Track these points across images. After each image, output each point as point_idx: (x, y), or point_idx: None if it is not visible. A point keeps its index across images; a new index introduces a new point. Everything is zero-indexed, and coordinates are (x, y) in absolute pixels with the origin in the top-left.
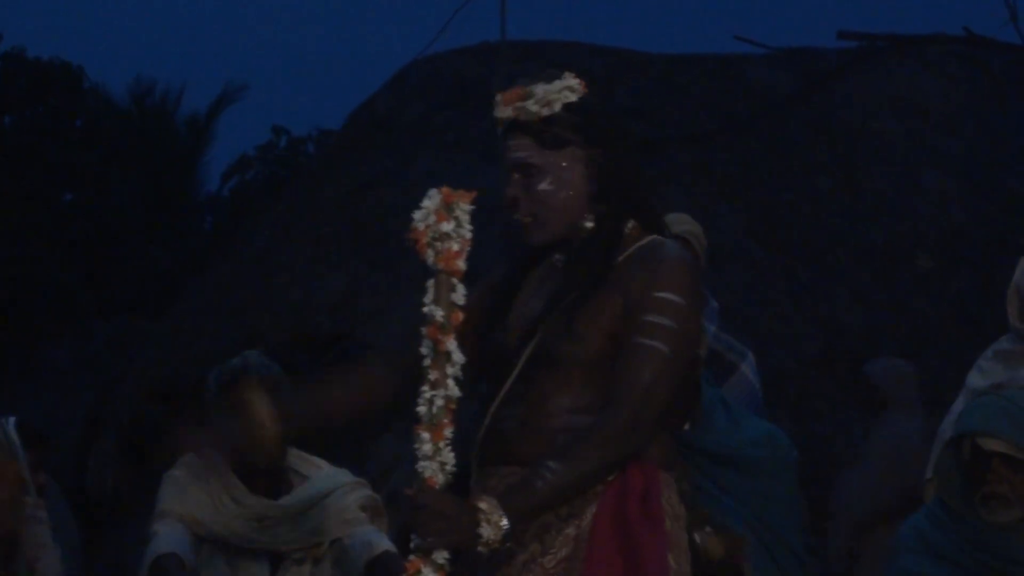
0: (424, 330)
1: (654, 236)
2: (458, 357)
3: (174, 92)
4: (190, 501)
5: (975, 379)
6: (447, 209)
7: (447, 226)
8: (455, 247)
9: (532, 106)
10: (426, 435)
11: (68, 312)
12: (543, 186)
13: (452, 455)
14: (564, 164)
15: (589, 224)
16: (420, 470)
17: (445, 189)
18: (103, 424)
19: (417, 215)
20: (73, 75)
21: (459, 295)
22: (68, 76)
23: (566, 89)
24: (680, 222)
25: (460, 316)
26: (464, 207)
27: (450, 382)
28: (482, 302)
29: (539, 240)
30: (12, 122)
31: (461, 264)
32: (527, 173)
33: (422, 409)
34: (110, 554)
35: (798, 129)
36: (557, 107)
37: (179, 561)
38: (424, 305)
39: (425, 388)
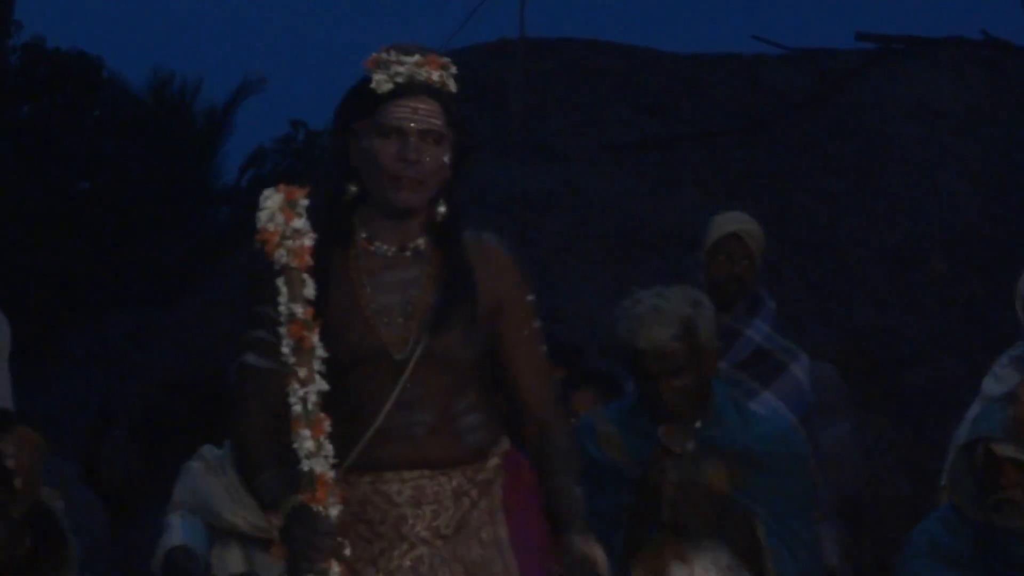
0: (284, 329)
1: (468, 229)
2: (321, 352)
3: (192, 83)
4: (206, 493)
5: (990, 385)
6: (292, 206)
7: (298, 223)
8: (308, 242)
9: (448, 79)
10: (306, 432)
11: (83, 302)
12: (438, 157)
13: (332, 447)
14: (447, 142)
15: (442, 209)
16: (307, 468)
17: (283, 186)
18: (116, 414)
19: (262, 216)
20: (91, 66)
21: (311, 289)
22: (86, 67)
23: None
24: (736, 220)
25: (312, 311)
26: (304, 202)
27: (317, 377)
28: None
29: (411, 201)
30: (30, 112)
31: (311, 259)
32: (432, 140)
33: (297, 408)
34: (122, 545)
35: (814, 130)
36: (452, 83)
37: (191, 553)
38: (279, 304)
39: (296, 386)
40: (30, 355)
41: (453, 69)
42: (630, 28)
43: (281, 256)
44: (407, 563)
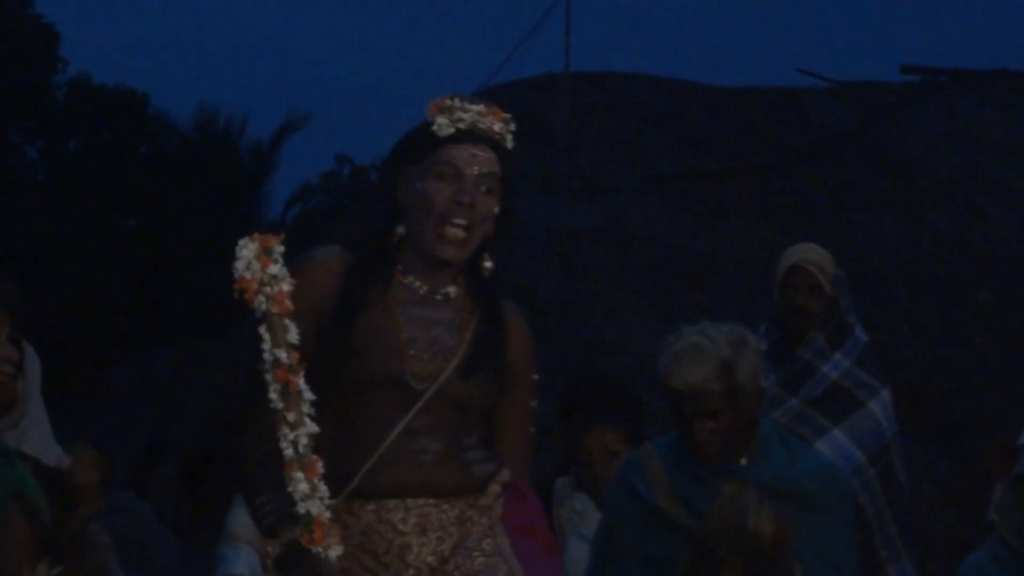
0: (269, 375)
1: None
2: (308, 395)
3: (238, 120)
4: None
5: None
6: (267, 253)
7: (275, 269)
8: (285, 288)
9: (508, 133)
10: (299, 475)
11: (128, 337)
12: (491, 206)
13: (326, 488)
14: (498, 194)
15: (489, 264)
16: (303, 511)
17: (257, 235)
18: (164, 449)
19: (239, 265)
20: (138, 102)
21: (294, 334)
22: (133, 103)
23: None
24: (798, 251)
25: (298, 355)
26: (280, 248)
27: (307, 419)
28: (317, 318)
29: (453, 257)
30: (77, 148)
31: (291, 304)
32: (486, 188)
33: (288, 452)
34: None
35: (859, 162)
36: (510, 139)
37: None
38: (263, 351)
39: (285, 430)
40: (76, 390)
41: (513, 126)
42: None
43: (261, 303)
44: None
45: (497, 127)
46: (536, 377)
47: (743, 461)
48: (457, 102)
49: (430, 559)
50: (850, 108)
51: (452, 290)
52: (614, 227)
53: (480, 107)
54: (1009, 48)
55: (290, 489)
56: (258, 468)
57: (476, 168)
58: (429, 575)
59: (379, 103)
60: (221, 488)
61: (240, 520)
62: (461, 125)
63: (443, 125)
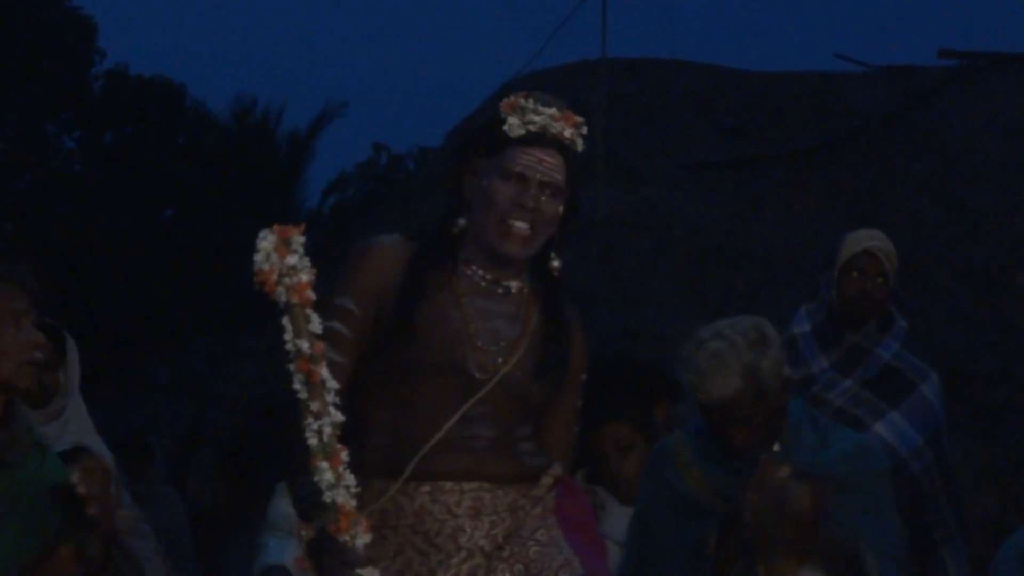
0: (292, 366)
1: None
2: (332, 384)
3: (275, 109)
4: None
5: None
6: (286, 244)
7: (293, 259)
8: (304, 278)
9: (579, 137)
10: (324, 464)
11: (167, 328)
12: (555, 209)
13: (353, 477)
14: (563, 197)
15: (556, 263)
16: (329, 499)
17: (277, 226)
18: (202, 439)
19: (258, 257)
20: (175, 92)
21: (316, 324)
22: (170, 93)
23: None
24: (871, 237)
25: (321, 346)
26: (300, 239)
27: (331, 408)
28: (378, 304)
29: (518, 254)
30: (114, 138)
31: (312, 294)
32: (550, 193)
33: (313, 441)
34: (210, 570)
35: (897, 147)
36: (581, 142)
37: (287, 572)
38: (286, 342)
39: (310, 420)
40: (116, 382)
41: (584, 129)
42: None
43: (281, 294)
44: (465, 568)
45: (568, 132)
46: (585, 377)
47: (776, 447)
48: (531, 103)
49: (483, 543)
50: (888, 93)
51: (515, 284)
52: (652, 215)
53: (553, 110)
54: None
55: (316, 479)
56: (300, 453)
57: (541, 173)
58: (482, 558)
59: (416, 91)
60: (260, 478)
61: (282, 510)
62: (532, 128)
63: (514, 126)
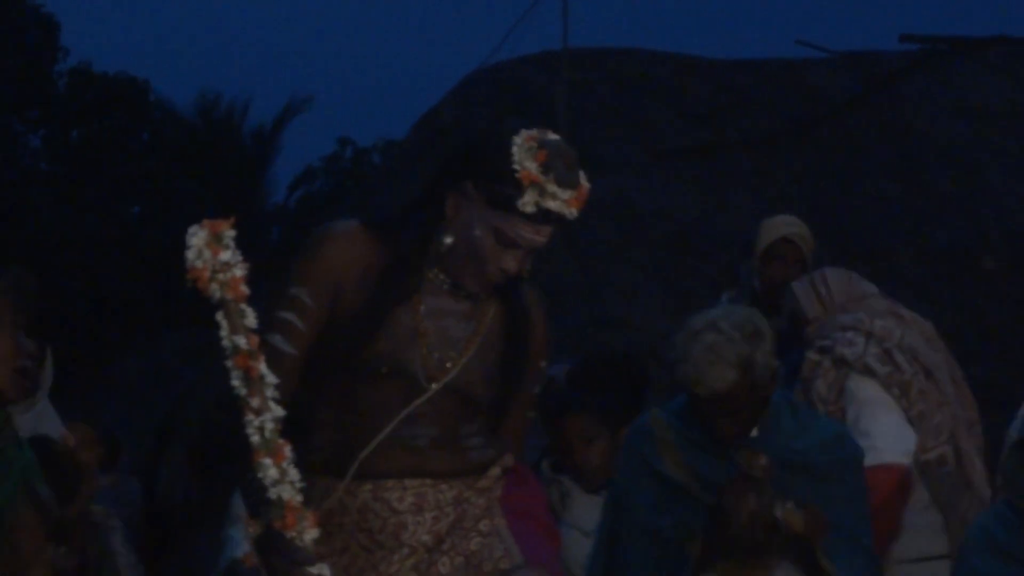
0: (230, 362)
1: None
2: (271, 379)
3: (240, 105)
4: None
5: None
6: (217, 240)
7: (226, 255)
8: (238, 273)
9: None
10: (268, 460)
11: (137, 324)
12: (532, 259)
13: (296, 472)
14: None
15: (527, 268)
16: (275, 496)
17: (207, 221)
18: (174, 435)
19: (190, 254)
20: (139, 89)
21: (251, 319)
22: (134, 90)
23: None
24: (787, 224)
25: (256, 339)
26: (231, 233)
27: (271, 403)
28: (334, 293)
29: (479, 293)
30: (79, 136)
31: (246, 289)
32: (535, 252)
33: (255, 438)
34: (180, 564)
35: (861, 132)
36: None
37: (255, 566)
38: (222, 339)
39: (250, 417)
40: (86, 378)
41: (589, 186)
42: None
43: (215, 291)
44: (408, 564)
45: (572, 214)
46: (545, 364)
47: (754, 433)
48: (551, 184)
49: (425, 538)
50: (850, 78)
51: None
52: (618, 203)
53: (569, 194)
54: (1006, 15)
55: (260, 475)
56: (246, 449)
57: (538, 242)
58: (424, 553)
59: (380, 85)
60: (229, 472)
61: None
62: (544, 209)
63: (527, 204)
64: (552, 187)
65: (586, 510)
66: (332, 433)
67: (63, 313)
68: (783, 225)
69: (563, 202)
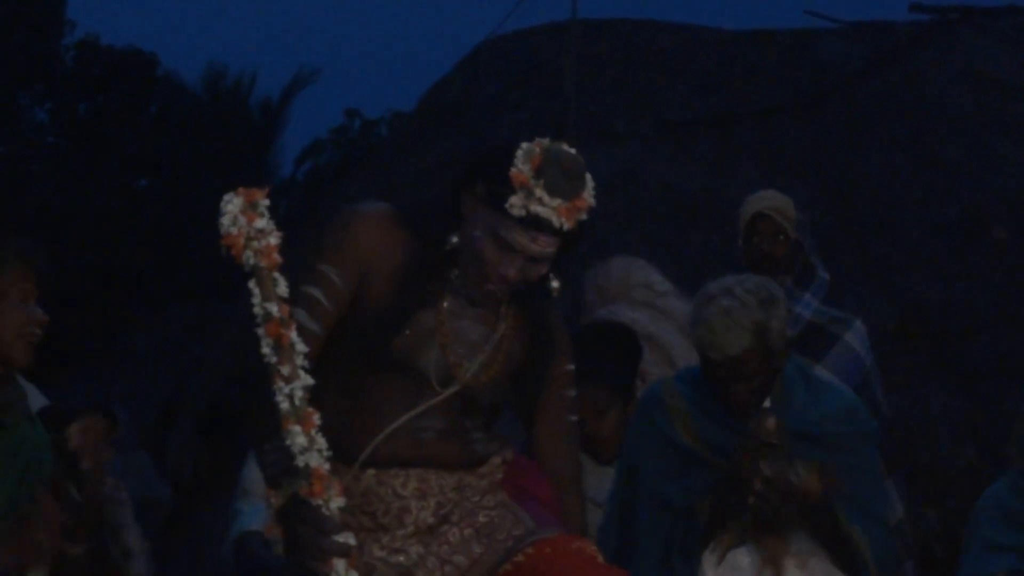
0: (262, 330)
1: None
2: (301, 347)
3: (247, 77)
4: None
5: None
6: (252, 207)
7: (260, 222)
8: (272, 241)
9: (582, 216)
10: (297, 428)
11: (144, 298)
12: (539, 272)
13: (324, 440)
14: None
15: (556, 284)
16: (302, 463)
17: (242, 189)
18: (181, 408)
19: (225, 220)
20: (146, 62)
21: (283, 287)
22: (141, 63)
23: (593, 193)
24: (762, 199)
25: (288, 308)
26: (265, 201)
27: (301, 372)
28: (360, 274)
29: (488, 306)
30: (87, 110)
31: (279, 257)
32: (538, 261)
33: (284, 405)
34: (189, 536)
35: (871, 103)
36: (585, 216)
37: (263, 538)
38: (253, 306)
39: (280, 384)
40: (95, 352)
41: (593, 202)
42: (682, 6)
43: (249, 258)
44: (412, 539)
45: (569, 225)
46: (572, 367)
47: (766, 404)
48: (539, 189)
49: (429, 520)
50: (860, 49)
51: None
52: (626, 175)
53: (558, 203)
54: None
55: (288, 443)
56: (267, 419)
57: (532, 251)
58: (427, 533)
59: (388, 56)
60: (237, 445)
61: (254, 476)
62: (534, 214)
63: (515, 206)
64: (540, 192)
65: (599, 482)
66: (336, 418)
67: (70, 287)
68: (758, 201)
69: (552, 210)
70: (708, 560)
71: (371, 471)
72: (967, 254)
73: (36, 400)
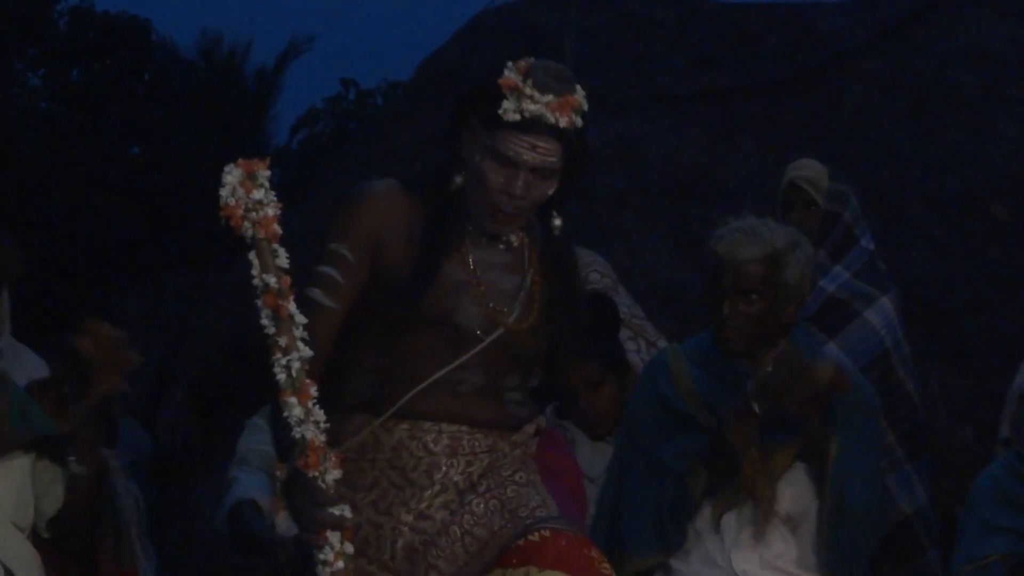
0: (260, 301)
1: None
2: (300, 318)
3: (242, 45)
4: (271, 447)
5: None
6: (252, 179)
7: (259, 194)
8: (271, 212)
9: (576, 117)
10: (293, 400)
11: (137, 266)
12: (545, 191)
13: (322, 412)
14: (558, 175)
15: (558, 223)
16: (298, 435)
17: (242, 160)
18: (173, 377)
19: (223, 192)
20: (140, 29)
21: (283, 259)
22: (136, 30)
23: (585, 99)
24: (794, 168)
25: (288, 280)
26: (265, 173)
27: (299, 344)
28: (374, 250)
29: (500, 233)
30: (80, 76)
31: (278, 228)
32: (542, 176)
33: (282, 377)
34: (181, 506)
35: (870, 78)
36: (580, 120)
37: (257, 507)
38: (252, 278)
39: (278, 355)
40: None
41: (585, 106)
42: None
43: (248, 229)
44: (438, 502)
45: (564, 122)
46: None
47: (768, 368)
48: (528, 86)
49: (457, 479)
50: (860, 23)
51: (514, 238)
52: (624, 148)
53: (550, 98)
54: None
55: (285, 414)
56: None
57: (533, 159)
58: (455, 494)
59: (384, 25)
60: (230, 414)
61: (251, 445)
62: (527, 115)
63: (508, 111)
64: (530, 90)
65: (592, 456)
66: (375, 375)
67: (63, 254)
68: (791, 170)
69: (543, 105)
70: (701, 523)
71: (404, 425)
72: (966, 230)
73: (36, 366)
